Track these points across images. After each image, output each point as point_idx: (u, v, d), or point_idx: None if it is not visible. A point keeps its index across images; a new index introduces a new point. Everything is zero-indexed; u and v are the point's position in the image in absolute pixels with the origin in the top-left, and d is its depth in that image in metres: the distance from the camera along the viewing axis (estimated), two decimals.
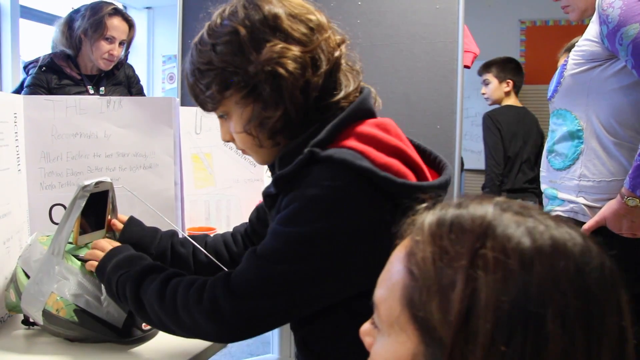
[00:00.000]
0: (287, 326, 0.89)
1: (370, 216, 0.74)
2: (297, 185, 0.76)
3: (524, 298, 0.40)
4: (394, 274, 0.48)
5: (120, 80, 2.13)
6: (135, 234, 1.05)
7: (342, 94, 0.82)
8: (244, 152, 0.90)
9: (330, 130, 0.79)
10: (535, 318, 0.39)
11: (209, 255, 1.04)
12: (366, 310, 0.53)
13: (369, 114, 0.84)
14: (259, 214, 1.09)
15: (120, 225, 1.06)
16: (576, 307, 0.40)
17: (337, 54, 0.82)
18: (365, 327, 0.52)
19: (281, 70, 0.77)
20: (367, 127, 0.81)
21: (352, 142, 0.78)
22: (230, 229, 1.14)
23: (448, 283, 0.42)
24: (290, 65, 0.77)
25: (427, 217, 0.48)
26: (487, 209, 0.45)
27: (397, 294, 0.46)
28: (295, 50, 0.78)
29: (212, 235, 1.12)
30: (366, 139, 0.79)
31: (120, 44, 2.04)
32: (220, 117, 0.88)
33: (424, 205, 0.50)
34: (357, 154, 0.76)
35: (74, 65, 2.04)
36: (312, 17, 0.82)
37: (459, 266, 0.42)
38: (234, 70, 0.79)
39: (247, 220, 1.13)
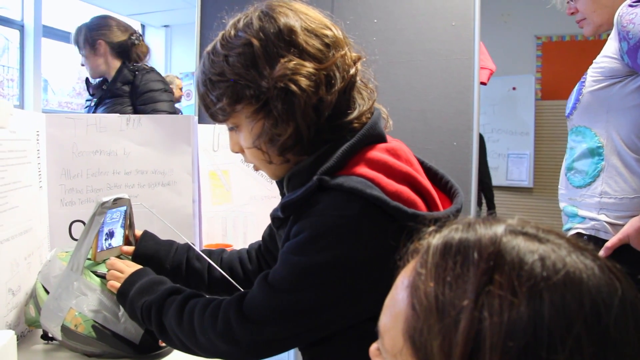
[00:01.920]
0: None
1: (380, 244, 0.71)
2: (307, 213, 0.75)
3: (534, 342, 0.36)
4: (397, 302, 0.45)
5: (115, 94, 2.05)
6: (150, 248, 1.05)
7: (355, 114, 0.80)
8: (255, 167, 0.88)
9: (340, 157, 0.77)
10: None
11: (223, 272, 1.04)
12: (375, 332, 0.52)
13: (380, 138, 0.82)
14: (271, 232, 1.08)
15: (131, 249, 1.06)
16: (592, 354, 0.36)
17: (352, 71, 0.80)
18: (374, 347, 0.50)
19: (294, 88, 0.75)
20: (377, 152, 0.79)
21: (362, 169, 0.76)
22: (247, 246, 1.14)
23: (451, 323, 0.39)
24: (304, 83, 0.75)
25: (433, 242, 0.45)
26: (496, 234, 0.42)
27: (400, 326, 0.44)
28: (309, 66, 0.76)
29: (228, 250, 1.12)
30: (376, 165, 0.77)
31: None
32: (231, 129, 0.86)
33: (431, 229, 0.47)
34: (367, 182, 0.74)
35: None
36: (328, 32, 0.80)
37: (463, 306, 0.39)
38: (246, 84, 0.77)
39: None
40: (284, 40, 0.77)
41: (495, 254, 0.40)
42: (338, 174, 0.76)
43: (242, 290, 1.01)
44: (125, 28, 2.07)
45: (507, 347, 0.37)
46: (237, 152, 0.88)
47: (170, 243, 1.07)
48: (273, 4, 0.81)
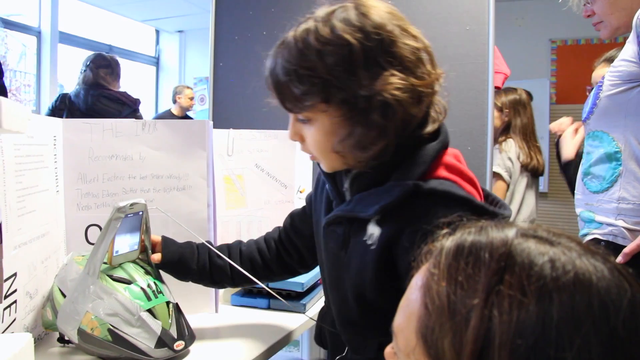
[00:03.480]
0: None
1: None
2: (406, 218, 0.77)
3: (542, 340, 0.37)
4: (411, 302, 0.46)
5: None
6: (176, 254, 1.07)
7: (429, 128, 0.82)
8: (312, 157, 0.89)
9: (429, 163, 0.80)
10: None
11: (243, 271, 1.06)
12: None
13: (447, 144, 0.85)
14: (293, 223, 1.11)
15: (158, 257, 1.06)
16: (600, 353, 0.37)
17: (436, 87, 0.81)
18: (389, 348, 0.51)
19: (394, 102, 0.75)
20: (449, 157, 0.83)
21: (443, 173, 0.80)
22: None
23: (461, 321, 0.40)
24: (405, 99, 0.75)
25: (446, 244, 0.46)
26: (507, 236, 0.43)
27: (413, 325, 0.45)
28: (408, 82, 0.76)
29: (246, 242, 1.14)
30: (451, 169, 0.81)
31: None
32: (300, 120, 0.84)
33: (444, 231, 0.49)
34: (454, 184, 0.79)
35: None
36: (420, 45, 0.80)
37: (473, 304, 0.40)
38: (340, 87, 0.76)
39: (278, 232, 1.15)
40: (385, 51, 0.76)
41: (506, 255, 0.41)
42: (424, 177, 0.79)
43: (260, 283, 1.06)
44: None
45: (515, 345, 0.37)
46: (295, 140, 0.88)
47: (191, 245, 1.09)
48: (366, 2, 0.79)
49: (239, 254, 1.10)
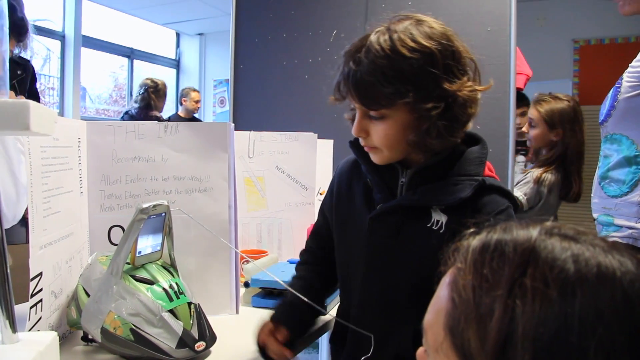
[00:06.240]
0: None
1: None
2: (471, 208, 0.89)
3: (565, 329, 0.38)
4: (440, 299, 0.48)
5: None
6: (296, 330, 1.05)
7: (470, 126, 0.94)
8: (371, 148, 0.96)
9: (485, 163, 0.95)
10: (578, 351, 0.38)
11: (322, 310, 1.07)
12: None
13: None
14: (322, 239, 1.12)
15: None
16: (622, 343, 0.38)
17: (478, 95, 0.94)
18: (421, 350, 0.52)
19: (467, 104, 0.88)
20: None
21: (488, 172, 0.94)
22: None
23: (486, 311, 0.42)
24: (474, 103, 0.89)
25: (473, 243, 0.48)
26: (532, 234, 0.44)
27: (442, 320, 0.46)
28: (477, 88, 0.89)
29: (309, 275, 1.12)
30: (489, 168, 0.94)
31: None
32: (373, 117, 0.92)
33: (470, 231, 0.50)
34: (498, 181, 0.94)
35: None
36: (472, 58, 0.92)
37: (497, 295, 0.41)
38: (425, 88, 0.86)
39: (297, 244, 1.14)
40: (457, 60, 0.88)
41: (530, 250, 0.43)
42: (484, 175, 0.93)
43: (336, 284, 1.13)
44: None
45: (538, 334, 0.39)
46: (360, 136, 0.96)
47: (296, 309, 1.06)
48: (427, 18, 0.91)
49: (315, 293, 1.08)
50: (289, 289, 1.04)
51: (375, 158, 0.97)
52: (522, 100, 2.59)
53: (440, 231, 0.92)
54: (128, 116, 4.19)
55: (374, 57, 0.87)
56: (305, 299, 1.01)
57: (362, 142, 0.97)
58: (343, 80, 0.91)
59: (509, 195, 0.93)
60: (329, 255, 1.11)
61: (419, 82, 0.86)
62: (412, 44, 0.86)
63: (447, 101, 0.87)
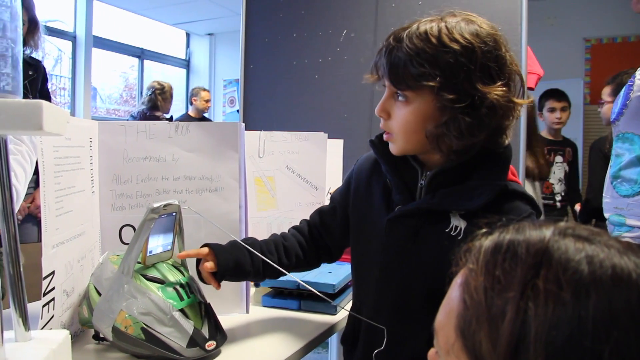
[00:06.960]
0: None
1: None
2: (491, 213, 0.91)
3: (578, 333, 0.37)
4: (451, 300, 0.47)
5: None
6: (230, 261, 1.05)
7: (500, 141, 0.94)
8: (388, 134, 0.95)
9: (508, 168, 0.94)
10: (592, 355, 0.37)
11: (293, 275, 1.10)
12: None
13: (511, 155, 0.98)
14: (324, 220, 1.16)
15: (210, 266, 1.05)
16: (638, 347, 0.37)
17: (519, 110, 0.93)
18: (432, 352, 0.52)
19: (498, 107, 0.86)
20: None
21: (511, 177, 0.93)
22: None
23: (498, 313, 0.41)
24: (508, 112, 0.88)
25: (485, 243, 0.47)
26: (545, 234, 0.43)
27: (453, 322, 0.45)
28: (507, 96, 0.87)
29: (285, 236, 1.17)
30: (512, 174, 0.94)
31: None
32: (400, 97, 0.91)
33: (482, 231, 0.49)
34: (521, 186, 0.94)
35: None
36: (518, 71, 0.91)
37: (509, 297, 0.41)
38: (455, 80, 0.85)
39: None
40: (498, 65, 0.87)
41: (543, 250, 0.42)
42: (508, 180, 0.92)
43: (310, 266, 1.18)
44: None
45: (551, 337, 0.38)
46: (381, 117, 0.95)
47: (240, 248, 1.07)
48: (478, 18, 0.91)
49: (284, 251, 1.12)
50: (243, 244, 1.07)
51: (392, 147, 0.96)
52: (562, 96, 3.01)
53: (459, 237, 0.91)
54: (133, 119, 4.33)
55: (415, 38, 0.88)
56: (258, 253, 1.06)
57: (381, 125, 0.96)
58: (381, 55, 0.92)
59: (532, 202, 0.92)
60: (318, 238, 1.16)
61: (449, 71, 0.85)
62: (456, 36, 0.86)
63: (474, 99, 0.86)
